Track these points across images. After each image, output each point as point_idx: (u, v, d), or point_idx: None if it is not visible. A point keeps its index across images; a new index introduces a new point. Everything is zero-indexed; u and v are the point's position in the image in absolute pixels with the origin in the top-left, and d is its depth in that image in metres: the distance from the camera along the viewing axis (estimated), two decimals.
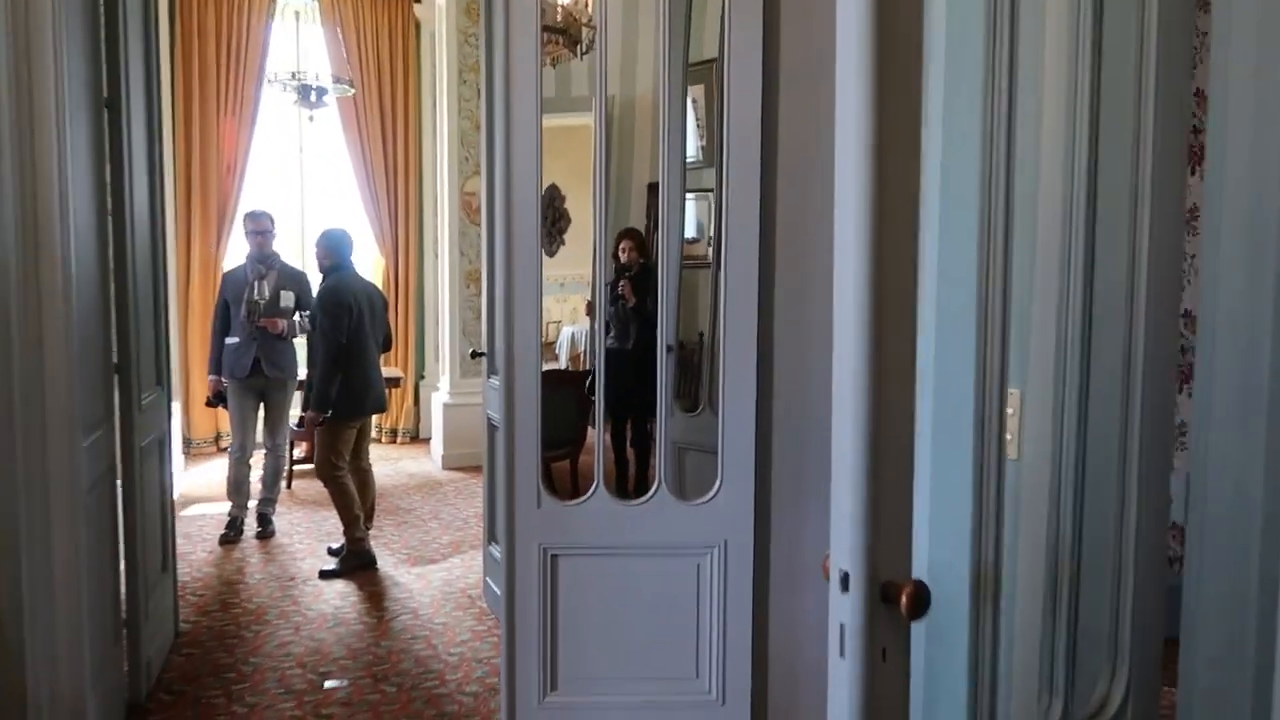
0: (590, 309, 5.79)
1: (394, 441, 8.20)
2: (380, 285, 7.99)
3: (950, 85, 1.39)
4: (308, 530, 5.68)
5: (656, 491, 3.02)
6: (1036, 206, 1.52)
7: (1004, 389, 1.37)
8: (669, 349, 3.28)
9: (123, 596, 3.36)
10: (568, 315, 7.63)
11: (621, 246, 5.10)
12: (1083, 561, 1.57)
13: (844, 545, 1.17)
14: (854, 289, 1.13)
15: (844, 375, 1.16)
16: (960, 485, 1.41)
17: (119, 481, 3.37)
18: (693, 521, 3.03)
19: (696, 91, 5.23)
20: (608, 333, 5.06)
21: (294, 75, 6.53)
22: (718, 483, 3.03)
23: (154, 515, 3.76)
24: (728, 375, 2.98)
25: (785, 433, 3.09)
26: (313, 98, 6.36)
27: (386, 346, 5.27)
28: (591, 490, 3.01)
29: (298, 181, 8.20)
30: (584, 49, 6.13)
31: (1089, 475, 1.54)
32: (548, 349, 7.43)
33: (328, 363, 4.80)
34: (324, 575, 4.85)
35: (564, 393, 5.66)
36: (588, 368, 5.90)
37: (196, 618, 4.28)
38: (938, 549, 1.44)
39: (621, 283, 5.03)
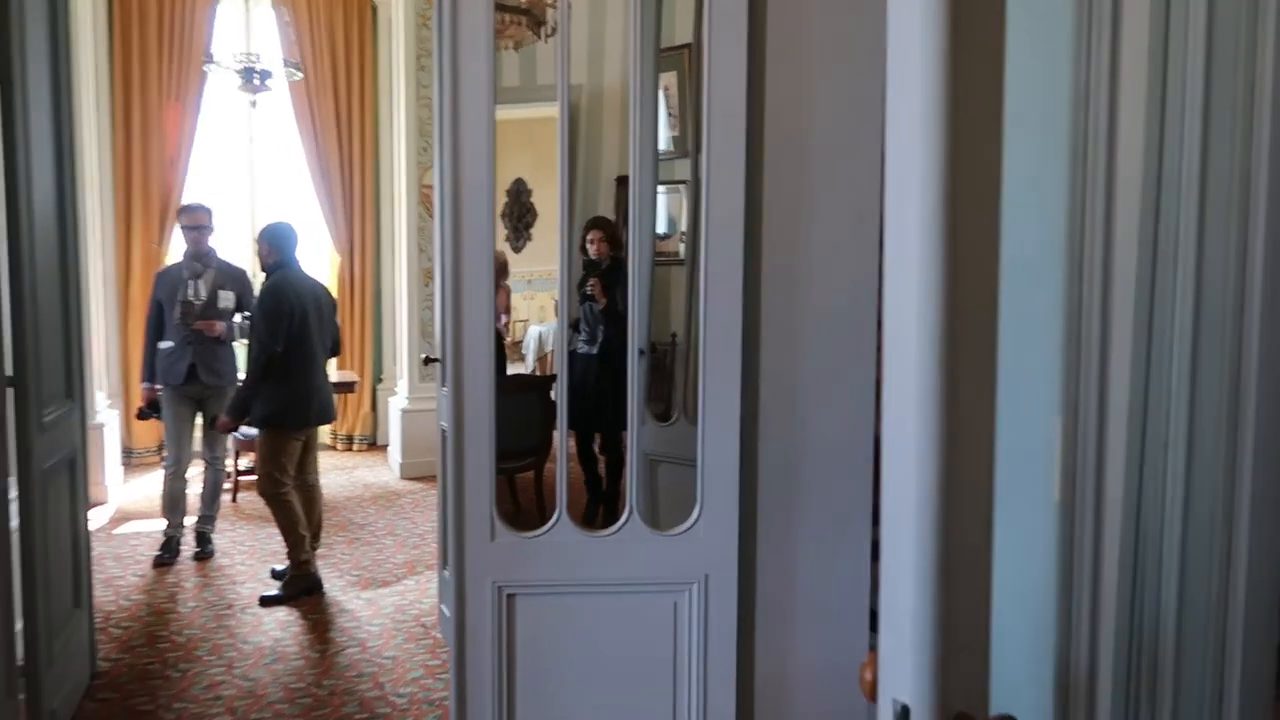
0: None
1: (349, 449, 7.77)
2: (335, 283, 7.57)
3: (1030, 25, 1.05)
4: (251, 549, 5.25)
5: (627, 521, 2.65)
6: (1114, 184, 1.17)
7: (1104, 425, 1.02)
8: (640, 353, 2.90)
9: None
10: (535, 314, 7.25)
11: (590, 238, 4.68)
12: (1181, 649, 1.22)
13: (902, 668, 0.81)
14: (920, 304, 0.78)
15: (902, 424, 0.80)
16: (1034, 559, 1.06)
17: (16, 511, 2.96)
18: (669, 554, 2.66)
19: (668, 79, 4.87)
20: (576, 334, 4.67)
21: (237, 57, 6.08)
22: (697, 509, 2.66)
23: (62, 545, 3.34)
24: (708, 386, 2.62)
25: (773, 449, 2.73)
26: (255, 81, 5.92)
27: (335, 352, 4.85)
28: (553, 520, 2.64)
29: (248, 174, 7.73)
30: (549, 31, 5.74)
31: (1187, 532, 1.20)
32: (513, 349, 7.05)
33: (256, 370, 4.39)
34: (265, 601, 4.44)
35: (528, 398, 5.28)
36: (555, 371, 5.51)
37: (118, 655, 3.85)
38: (1003, 651, 1.09)
39: (591, 281, 4.62)
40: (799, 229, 2.69)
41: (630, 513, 2.64)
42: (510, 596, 2.60)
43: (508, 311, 6.41)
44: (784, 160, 2.69)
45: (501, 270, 6.17)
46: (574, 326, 4.95)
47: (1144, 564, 1.11)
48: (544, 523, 2.66)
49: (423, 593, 4.59)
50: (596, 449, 4.85)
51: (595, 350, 4.66)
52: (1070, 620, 1.05)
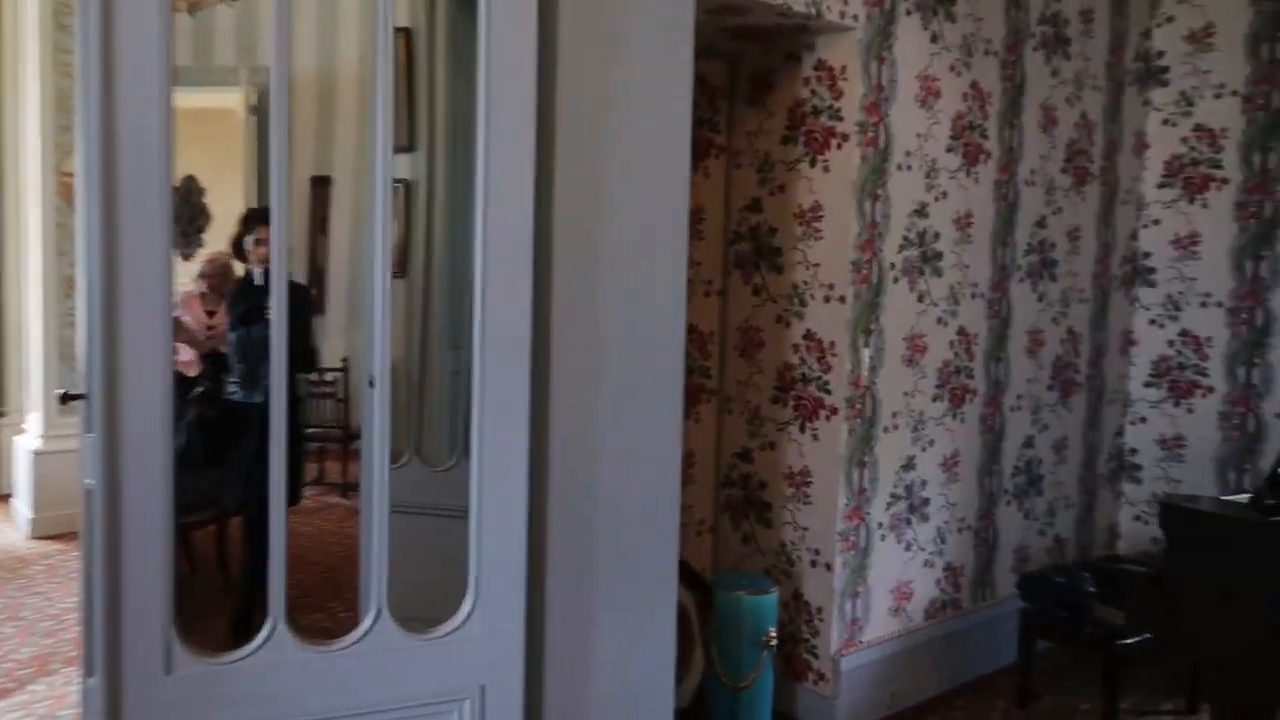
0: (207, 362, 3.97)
1: None
2: None
3: None
4: None
5: (375, 624, 1.93)
6: None
7: None
8: (370, 384, 2.19)
9: None
10: None
11: (258, 237, 3.47)
12: None
13: None
14: None
15: None
16: None
17: None
18: (432, 663, 1.98)
19: None
20: (225, 374, 3.46)
21: None
22: (469, 600, 2.01)
23: None
24: (486, 434, 1.99)
25: (565, 515, 2.14)
26: None
27: None
28: (266, 634, 1.85)
29: None
30: None
31: None
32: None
33: None
34: None
35: None
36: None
37: None
38: None
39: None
40: (596, 235, 2.14)
41: (378, 613, 1.93)
42: None
43: None
44: (576, 156, 2.12)
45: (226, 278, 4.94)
46: (218, 362, 3.64)
47: None
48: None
49: (59, 703, 3.46)
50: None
51: (260, 397, 3.24)
52: None
